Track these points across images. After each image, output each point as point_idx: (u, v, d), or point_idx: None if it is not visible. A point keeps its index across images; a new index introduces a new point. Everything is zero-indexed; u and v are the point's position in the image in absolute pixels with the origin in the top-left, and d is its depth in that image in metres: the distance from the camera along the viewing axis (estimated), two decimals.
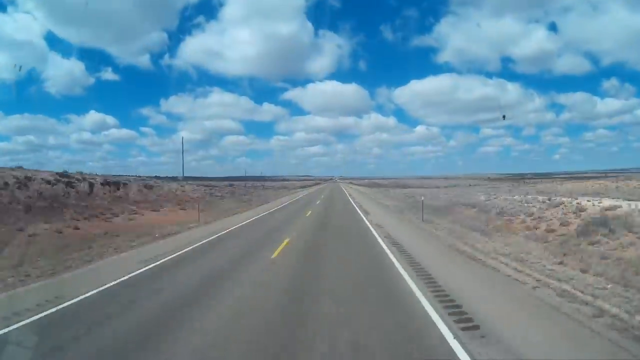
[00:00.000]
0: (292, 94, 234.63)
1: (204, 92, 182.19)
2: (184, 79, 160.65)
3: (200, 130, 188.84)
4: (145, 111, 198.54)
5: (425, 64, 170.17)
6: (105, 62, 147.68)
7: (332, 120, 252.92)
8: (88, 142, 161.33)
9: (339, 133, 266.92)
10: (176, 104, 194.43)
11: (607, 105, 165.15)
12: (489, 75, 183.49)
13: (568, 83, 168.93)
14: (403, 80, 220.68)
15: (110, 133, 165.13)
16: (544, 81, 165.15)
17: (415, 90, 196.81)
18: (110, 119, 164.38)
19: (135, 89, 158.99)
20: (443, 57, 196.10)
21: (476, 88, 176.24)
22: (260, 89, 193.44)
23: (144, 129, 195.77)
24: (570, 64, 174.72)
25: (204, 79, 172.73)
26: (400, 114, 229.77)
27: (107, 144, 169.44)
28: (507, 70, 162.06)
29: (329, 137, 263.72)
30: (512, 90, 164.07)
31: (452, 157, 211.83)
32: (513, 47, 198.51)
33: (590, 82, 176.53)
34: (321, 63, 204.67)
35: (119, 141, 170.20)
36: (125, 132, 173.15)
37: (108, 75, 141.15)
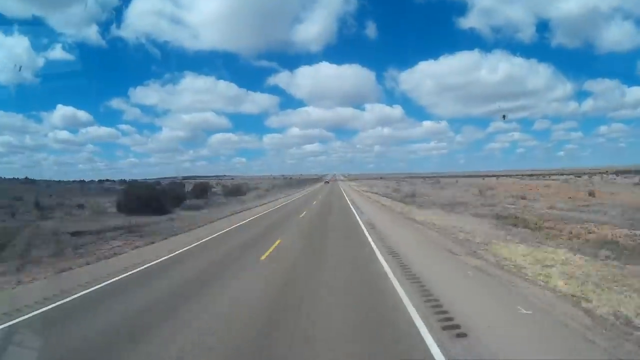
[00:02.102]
0: (282, 79, 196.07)
1: (174, 77, 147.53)
2: (148, 59, 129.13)
3: (183, 127, 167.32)
4: (116, 103, 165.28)
5: (444, 33, 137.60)
6: (48, 36, 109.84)
7: (329, 112, 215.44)
8: (67, 142, 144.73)
9: (337, 128, 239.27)
10: (148, 94, 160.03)
11: (634, 93, 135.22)
12: (518, 49, 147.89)
13: (606, 63, 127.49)
14: (413, 60, 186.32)
15: (89, 131, 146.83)
16: (580, 58, 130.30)
17: (429, 73, 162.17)
18: (83, 114, 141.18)
19: (96, 75, 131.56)
20: (467, 23, 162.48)
21: (500, 69, 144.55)
22: (242, 71, 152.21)
23: (123, 127, 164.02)
24: (616, 35, 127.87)
25: (171, 59, 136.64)
26: (408, 104, 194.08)
27: (89, 144, 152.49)
28: (542, 41, 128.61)
29: (326, 132, 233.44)
30: (542, 71, 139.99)
31: (464, 153, 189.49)
32: (555, 4, 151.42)
33: (628, 63, 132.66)
34: (314, 29, 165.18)
35: (99, 140, 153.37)
36: (104, 131, 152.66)
37: (57, 53, 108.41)
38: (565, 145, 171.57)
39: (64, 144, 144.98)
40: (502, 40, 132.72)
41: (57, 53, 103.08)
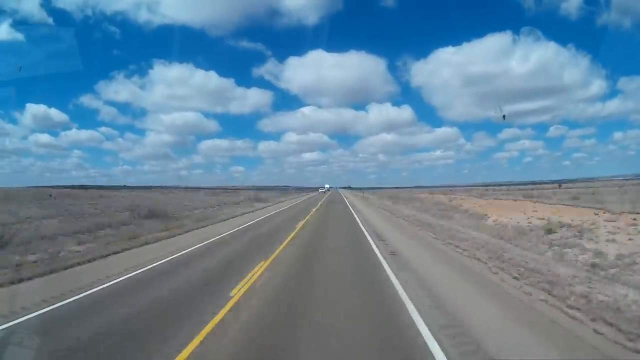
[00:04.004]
0: (273, 69, 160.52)
1: (150, 64, 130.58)
2: (107, 40, 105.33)
3: (167, 129, 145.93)
4: (87, 100, 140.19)
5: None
6: None
7: (328, 113, 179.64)
8: (50, 146, 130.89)
9: (338, 133, 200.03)
10: (124, 89, 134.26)
11: None
12: (557, 29, 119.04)
13: None
14: (429, 47, 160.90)
15: (68, 135, 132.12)
16: (624, 45, 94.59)
17: (447, 64, 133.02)
18: (55, 113, 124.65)
19: (53, 62, 76.18)
20: None
21: (532, 59, 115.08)
22: (224, 57, 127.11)
23: (104, 130, 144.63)
24: None
25: (134, 40, 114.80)
26: (419, 104, 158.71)
27: (75, 149, 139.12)
28: (589, 16, 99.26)
29: (327, 139, 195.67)
30: (579, 62, 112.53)
31: (472, 162, 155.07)
32: None
33: None
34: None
35: (82, 144, 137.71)
36: (85, 134, 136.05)
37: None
38: (574, 154, 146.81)
39: (47, 148, 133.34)
40: (540, 17, 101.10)
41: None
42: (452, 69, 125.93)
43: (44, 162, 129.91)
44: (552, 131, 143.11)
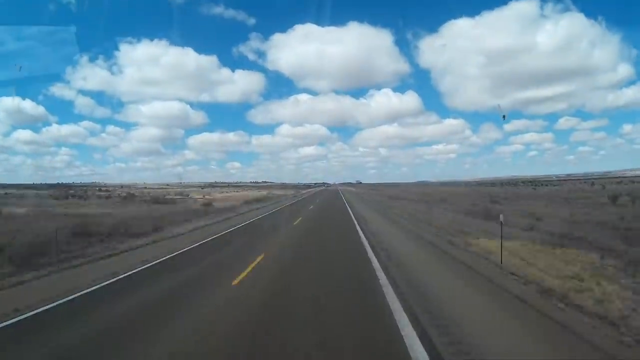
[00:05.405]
0: (259, 45, 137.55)
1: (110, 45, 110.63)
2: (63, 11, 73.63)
3: (152, 122, 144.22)
4: (58, 90, 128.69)
5: None
6: None
7: (325, 100, 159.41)
8: (33, 143, 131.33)
9: (336, 125, 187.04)
10: (94, 68, 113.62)
11: None
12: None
13: None
14: (440, 20, 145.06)
15: (50, 130, 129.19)
16: None
17: (463, 37, 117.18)
18: (29, 105, 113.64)
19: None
20: None
21: (555, 37, 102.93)
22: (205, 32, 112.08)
23: (86, 124, 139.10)
24: None
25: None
26: (429, 88, 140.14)
27: (63, 147, 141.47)
28: None
29: (325, 130, 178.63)
30: (607, 41, 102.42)
31: (477, 156, 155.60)
32: None
33: None
34: None
35: (66, 141, 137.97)
36: (66, 129, 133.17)
37: None
38: (579, 147, 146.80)
39: (31, 145, 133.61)
40: None
41: None
42: (467, 43, 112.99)
43: (33, 159, 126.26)
44: (562, 123, 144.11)
